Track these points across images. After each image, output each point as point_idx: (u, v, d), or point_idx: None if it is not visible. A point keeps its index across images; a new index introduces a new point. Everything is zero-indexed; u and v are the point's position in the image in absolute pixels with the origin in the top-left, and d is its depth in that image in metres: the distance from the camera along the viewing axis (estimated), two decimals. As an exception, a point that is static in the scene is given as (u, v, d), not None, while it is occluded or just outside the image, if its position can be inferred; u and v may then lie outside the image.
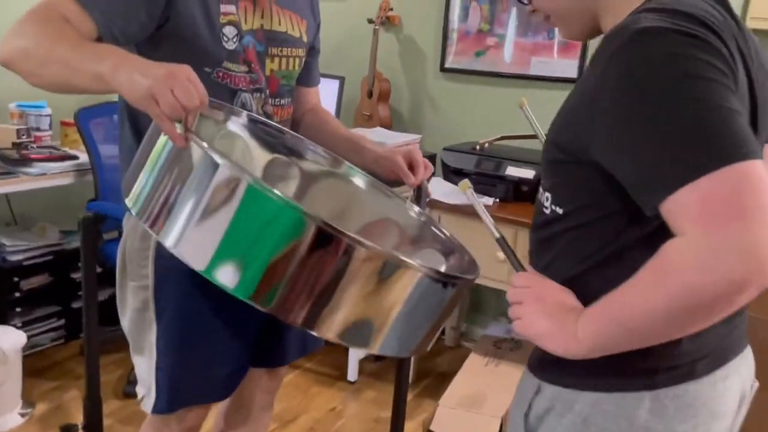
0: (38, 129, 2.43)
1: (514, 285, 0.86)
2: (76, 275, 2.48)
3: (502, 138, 2.37)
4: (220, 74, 1.18)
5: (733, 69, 0.71)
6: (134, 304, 1.23)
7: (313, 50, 1.40)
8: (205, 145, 0.85)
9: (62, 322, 2.48)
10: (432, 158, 2.60)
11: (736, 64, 0.72)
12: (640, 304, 0.69)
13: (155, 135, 0.94)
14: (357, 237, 0.83)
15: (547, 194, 0.86)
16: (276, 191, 0.82)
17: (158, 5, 1.08)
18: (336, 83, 2.66)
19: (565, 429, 0.83)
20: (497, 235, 0.93)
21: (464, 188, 1.00)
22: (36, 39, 0.98)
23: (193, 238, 0.85)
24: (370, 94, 2.76)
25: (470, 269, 1.09)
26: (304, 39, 1.33)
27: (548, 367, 0.86)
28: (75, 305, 2.50)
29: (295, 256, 0.82)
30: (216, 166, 0.84)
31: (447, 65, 2.70)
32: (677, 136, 0.66)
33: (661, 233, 0.69)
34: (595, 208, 0.79)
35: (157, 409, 1.22)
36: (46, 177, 2.17)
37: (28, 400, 2.16)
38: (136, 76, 0.89)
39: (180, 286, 1.16)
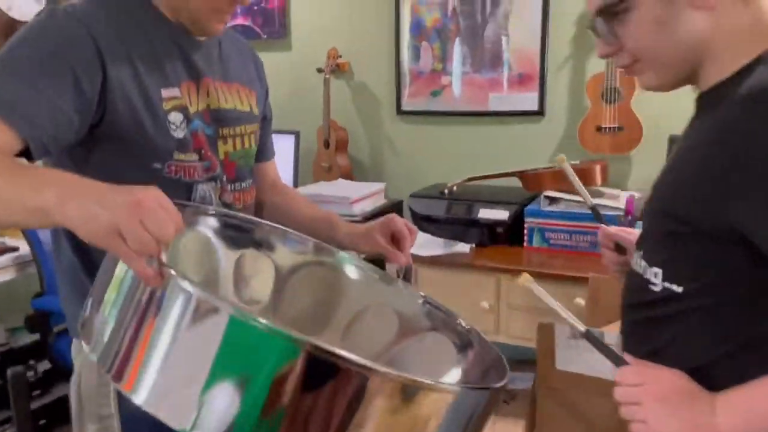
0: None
1: (621, 383, 0.76)
2: (30, 374, 2.26)
3: (471, 179, 2.29)
4: (173, 168, 1.03)
5: None
6: None
7: (265, 120, 1.28)
8: (182, 279, 0.70)
9: (14, 430, 2.26)
10: (398, 205, 2.50)
11: None
12: None
13: (112, 264, 0.79)
14: (366, 362, 0.69)
15: (656, 269, 0.78)
16: (263, 320, 0.68)
17: (89, 101, 0.93)
18: (291, 138, 2.55)
19: None
20: (583, 329, 0.83)
21: (526, 282, 0.89)
22: None
23: (170, 390, 0.71)
24: (327, 145, 2.66)
25: (496, 365, 0.94)
26: (255, 112, 1.21)
27: None
28: (31, 406, 2.27)
29: (295, 394, 0.68)
30: (189, 298, 0.69)
31: (403, 108, 2.61)
32: None
33: None
34: (731, 287, 0.72)
35: None
36: (-14, 274, 1.98)
37: None
38: (93, 208, 0.70)
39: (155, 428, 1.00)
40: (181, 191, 1.04)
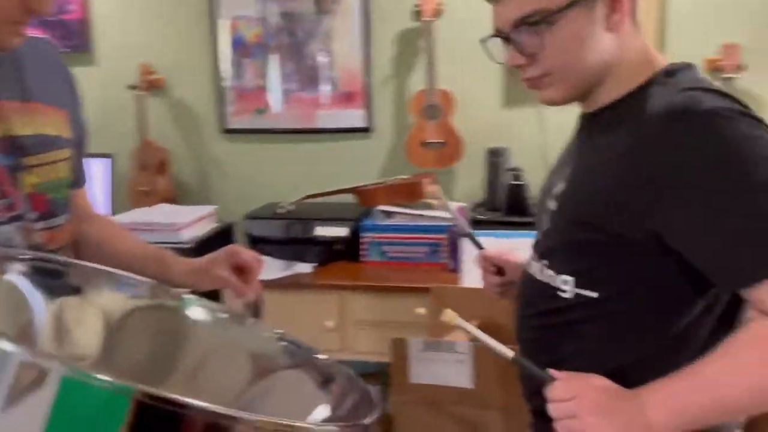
0: None
1: (554, 399, 0.76)
2: None
3: (308, 197, 2.27)
4: None
5: None
6: None
7: (79, 143, 1.10)
8: None
9: None
10: (229, 229, 2.40)
11: None
12: (741, 378, 0.69)
13: None
14: (217, 408, 0.61)
15: (566, 277, 0.81)
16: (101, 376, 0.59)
17: None
18: (106, 162, 2.33)
19: None
20: (511, 355, 0.83)
21: (452, 320, 0.86)
22: None
23: None
24: (144, 168, 2.46)
25: (364, 399, 0.91)
26: (67, 134, 1.04)
27: None
28: None
29: None
30: (6, 357, 0.58)
31: (228, 126, 2.52)
32: None
33: (730, 313, 0.74)
34: (649, 290, 0.76)
35: None
36: None
37: None
38: None
39: None
40: None
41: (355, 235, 2.16)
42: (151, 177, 2.47)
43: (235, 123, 2.51)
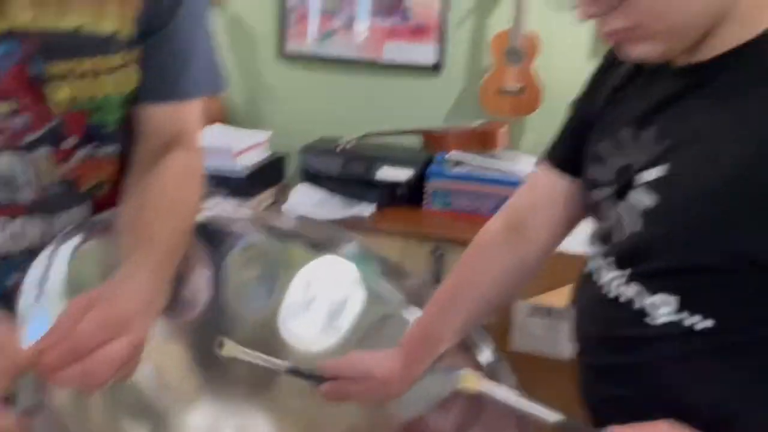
0: None
1: None
2: None
3: (368, 135, 2.12)
4: None
5: None
6: None
7: (159, 37, 0.79)
8: None
9: None
10: (282, 161, 2.26)
11: None
12: None
13: None
14: None
15: (665, 296, 0.62)
16: None
17: None
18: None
19: None
20: (553, 419, 0.68)
21: (473, 384, 0.73)
22: None
23: None
24: (195, 85, 2.30)
25: None
26: (125, 31, 0.77)
27: None
28: None
29: None
30: None
31: (287, 50, 2.34)
32: None
33: None
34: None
35: None
36: None
37: None
38: None
39: None
40: None
41: (419, 180, 2.02)
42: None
43: (294, 48, 2.34)
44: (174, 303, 0.83)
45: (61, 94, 0.74)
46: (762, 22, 0.61)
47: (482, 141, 2.05)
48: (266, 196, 2.13)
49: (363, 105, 2.31)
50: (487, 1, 2.17)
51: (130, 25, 0.77)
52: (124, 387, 0.75)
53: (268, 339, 0.90)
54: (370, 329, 0.93)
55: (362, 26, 2.27)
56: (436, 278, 1.81)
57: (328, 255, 0.95)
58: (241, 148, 2.06)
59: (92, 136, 0.79)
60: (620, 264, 0.68)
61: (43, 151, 0.76)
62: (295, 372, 0.81)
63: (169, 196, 0.76)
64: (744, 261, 0.59)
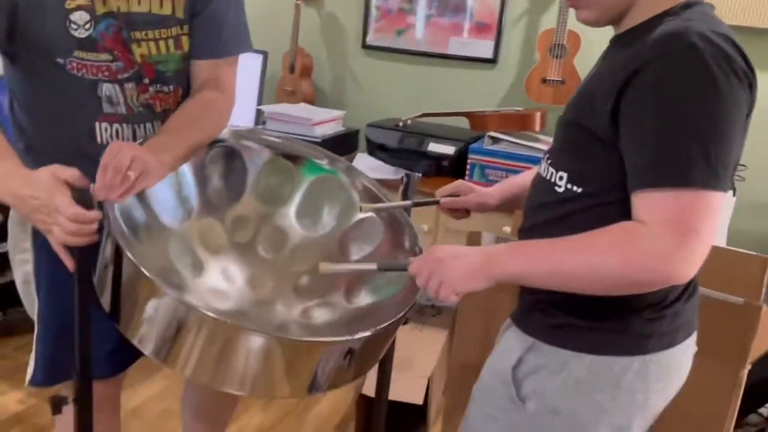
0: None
1: (415, 272, 0.94)
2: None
3: (424, 115, 2.47)
4: (74, 64, 1.13)
5: (751, 101, 0.84)
6: (20, 276, 1.25)
7: (201, 17, 1.20)
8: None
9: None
10: (355, 134, 2.67)
11: (753, 96, 0.85)
12: (588, 257, 0.82)
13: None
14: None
15: (562, 173, 0.93)
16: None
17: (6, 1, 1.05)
18: (259, 58, 2.66)
19: (556, 386, 0.93)
20: (374, 266, 1.05)
21: (325, 267, 1.05)
22: None
23: None
24: (292, 70, 2.78)
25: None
26: (178, 14, 1.19)
27: (541, 325, 0.96)
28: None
29: None
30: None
31: (369, 42, 2.76)
32: (691, 147, 0.78)
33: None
34: (618, 188, 0.86)
35: (33, 382, 1.22)
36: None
37: (-59, 384, 2.08)
38: (13, 202, 1.01)
39: (55, 262, 1.12)
40: (84, 87, 1.15)
41: (462, 155, 2.34)
42: (296, 79, 2.79)
43: (375, 40, 2.75)
44: (219, 195, 1.27)
45: (139, 51, 1.17)
46: (656, 9, 0.89)
47: (521, 124, 2.33)
48: (337, 162, 2.55)
49: (428, 91, 2.67)
50: (539, 2, 2.45)
51: (182, 9, 1.20)
52: (180, 237, 1.20)
53: (285, 228, 1.31)
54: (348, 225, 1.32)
55: (431, 23, 2.63)
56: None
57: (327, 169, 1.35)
58: (319, 120, 2.50)
59: (159, 78, 1.21)
60: (548, 155, 1.02)
61: (130, 85, 1.19)
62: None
63: (188, 113, 1.21)
64: (587, 133, 0.89)
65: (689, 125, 0.79)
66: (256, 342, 0.97)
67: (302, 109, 2.60)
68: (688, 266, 0.79)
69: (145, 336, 1.02)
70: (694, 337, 0.99)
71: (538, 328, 0.97)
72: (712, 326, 1.24)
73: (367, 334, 1.01)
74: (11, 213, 1.24)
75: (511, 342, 1.01)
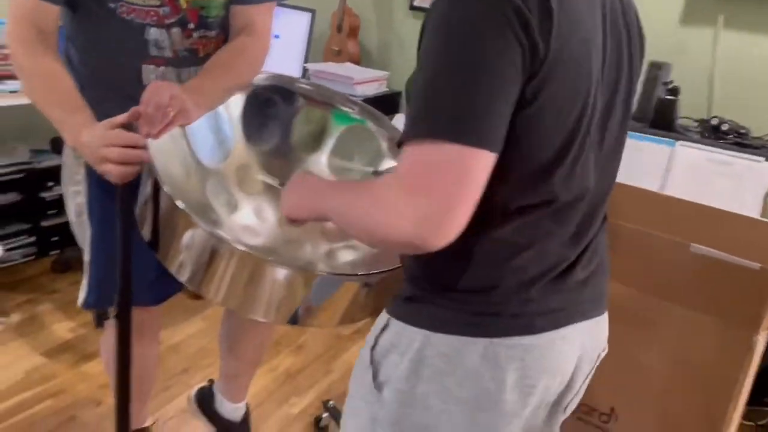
0: (2, 47, 2.42)
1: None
2: (46, 194, 2.53)
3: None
4: (124, 9, 1.20)
5: (532, 44, 0.68)
6: (73, 208, 1.34)
7: None
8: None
9: (32, 239, 2.54)
10: (398, 95, 2.71)
11: (545, 36, 0.69)
12: (350, 202, 0.78)
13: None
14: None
15: None
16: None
17: None
18: (307, 16, 2.71)
19: (404, 367, 0.81)
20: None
21: None
22: (24, 82, 1.19)
23: None
24: (339, 29, 2.82)
25: None
26: None
27: (397, 301, 0.85)
28: (45, 223, 2.56)
29: None
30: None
31: (416, 4, 2.77)
32: (440, 97, 0.68)
33: None
34: None
35: (85, 303, 1.33)
36: (18, 95, 2.19)
37: (2, 311, 2.25)
38: (82, 151, 1.11)
39: (105, 193, 1.21)
40: (133, 31, 1.22)
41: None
42: (343, 39, 2.83)
43: (423, 2, 2.75)
44: (255, 137, 1.35)
45: None
46: None
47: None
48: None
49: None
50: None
51: None
52: (217, 176, 1.29)
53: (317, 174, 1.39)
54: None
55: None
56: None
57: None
58: (361, 79, 2.54)
59: (202, 23, 1.28)
60: None
61: (176, 30, 1.25)
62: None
63: (224, 58, 1.29)
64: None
65: (427, 71, 0.69)
66: (280, 273, 1.05)
67: (346, 68, 2.65)
68: (416, 228, 0.67)
69: (182, 265, 1.11)
70: (577, 329, 0.84)
71: (393, 303, 0.87)
72: (727, 290, 1.25)
73: (385, 269, 1.07)
74: (65, 149, 1.34)
75: (377, 321, 0.88)
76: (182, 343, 2.24)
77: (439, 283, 0.81)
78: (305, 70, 2.67)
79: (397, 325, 0.83)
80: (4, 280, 2.33)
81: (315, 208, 0.87)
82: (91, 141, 1.08)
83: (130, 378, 1.19)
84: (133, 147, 1.06)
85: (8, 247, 2.46)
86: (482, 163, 0.68)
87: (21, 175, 2.44)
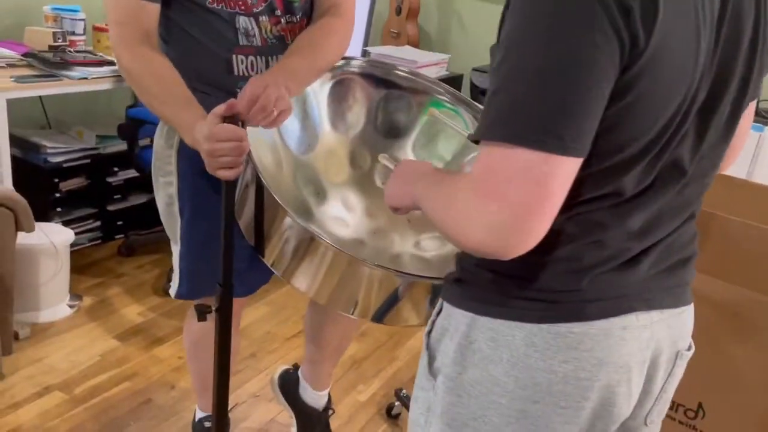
0: (73, 33, 2.45)
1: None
2: (112, 179, 2.57)
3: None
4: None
5: (632, 35, 0.60)
6: (163, 198, 1.34)
7: None
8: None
9: (98, 223, 2.59)
10: (459, 79, 2.66)
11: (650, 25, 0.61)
12: (434, 196, 0.75)
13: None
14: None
15: None
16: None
17: None
18: (367, -1, 2.68)
19: (452, 352, 0.78)
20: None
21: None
22: (134, 86, 1.20)
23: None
24: (398, 11, 2.78)
25: None
26: None
27: (447, 284, 0.82)
28: (110, 208, 2.60)
29: None
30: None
31: (478, -15, 2.71)
32: (522, 95, 0.61)
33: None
34: None
35: (178, 294, 1.35)
36: (87, 82, 2.21)
37: (75, 294, 2.30)
38: (192, 145, 1.11)
39: (198, 184, 1.21)
40: (223, 21, 1.22)
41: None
42: (402, 21, 2.79)
43: (484, -17, 2.69)
44: (341, 125, 1.34)
45: None
46: None
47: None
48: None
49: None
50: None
51: None
52: (306, 166, 1.28)
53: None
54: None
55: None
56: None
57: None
58: (424, 63, 2.50)
59: (288, 9, 1.28)
60: None
61: (264, 17, 1.25)
62: None
63: (311, 38, 1.27)
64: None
65: (509, 63, 0.62)
66: (373, 274, 1.05)
67: (407, 52, 2.61)
68: (487, 235, 0.62)
69: (277, 258, 1.11)
70: (642, 320, 0.76)
71: (444, 285, 0.83)
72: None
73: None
74: (156, 140, 1.34)
75: (437, 305, 0.85)
76: (249, 327, 2.26)
77: (486, 266, 0.75)
78: (366, 53, 2.64)
79: (448, 308, 0.80)
80: (74, 264, 2.37)
81: (410, 197, 0.83)
82: (200, 138, 1.07)
83: (229, 370, 1.20)
84: (239, 141, 1.05)
85: (76, 231, 2.51)
86: (566, 169, 0.62)
87: (87, 161, 2.48)
